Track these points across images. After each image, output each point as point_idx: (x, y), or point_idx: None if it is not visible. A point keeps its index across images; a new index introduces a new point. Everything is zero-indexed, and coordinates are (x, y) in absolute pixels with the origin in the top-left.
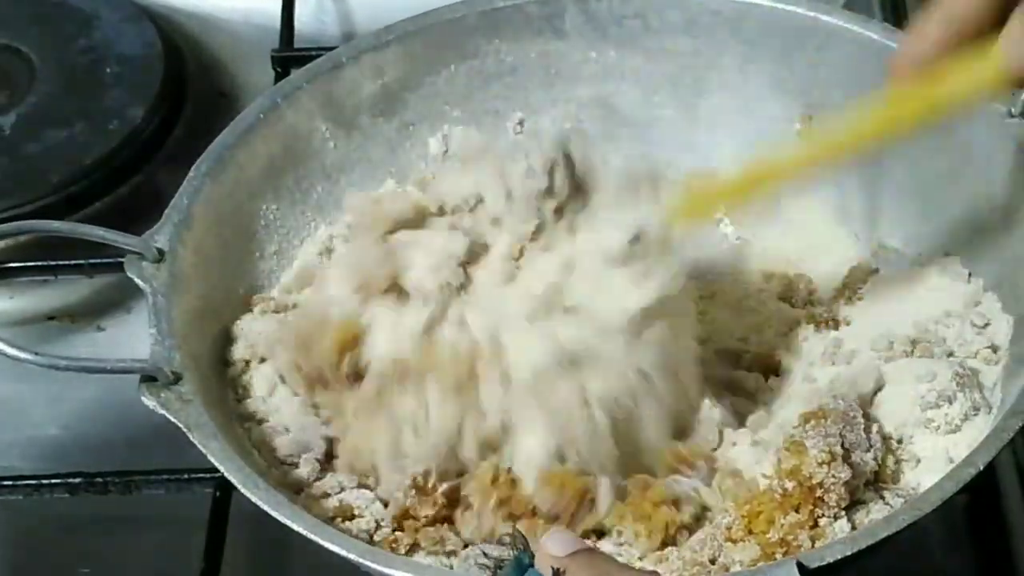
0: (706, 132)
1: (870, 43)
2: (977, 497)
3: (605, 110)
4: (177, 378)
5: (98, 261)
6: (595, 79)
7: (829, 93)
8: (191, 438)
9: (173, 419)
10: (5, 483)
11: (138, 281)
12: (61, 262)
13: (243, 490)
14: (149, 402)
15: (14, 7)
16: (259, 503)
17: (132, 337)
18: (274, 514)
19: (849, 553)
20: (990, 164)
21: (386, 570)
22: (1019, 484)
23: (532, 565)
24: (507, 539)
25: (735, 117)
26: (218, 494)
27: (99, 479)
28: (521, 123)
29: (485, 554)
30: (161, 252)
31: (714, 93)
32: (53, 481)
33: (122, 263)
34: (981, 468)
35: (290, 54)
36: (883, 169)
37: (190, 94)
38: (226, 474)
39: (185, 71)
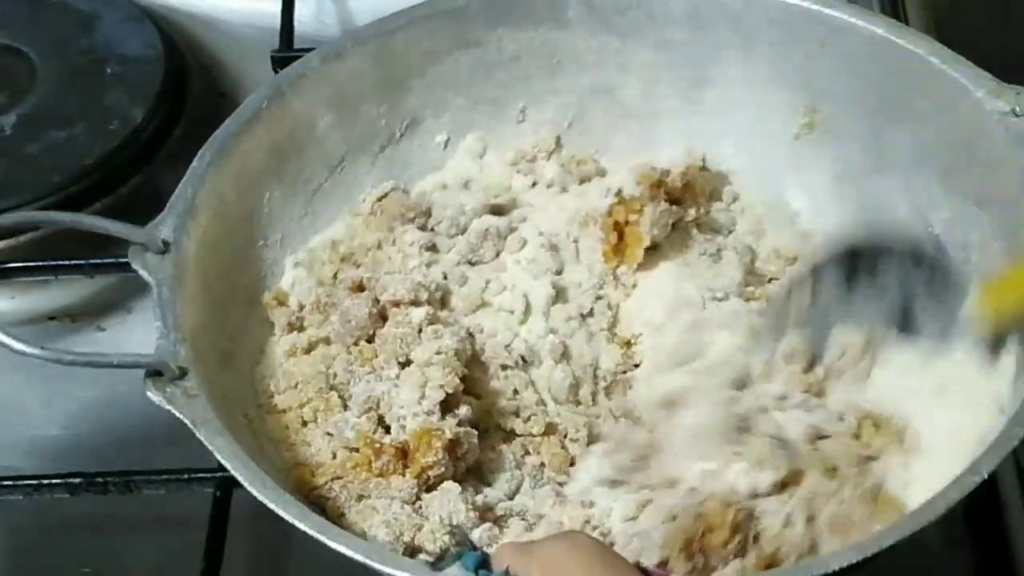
0: (708, 123)
1: (873, 37)
2: (977, 500)
3: (607, 99)
4: (183, 373)
5: (99, 261)
6: (597, 69)
7: (833, 86)
8: (197, 434)
9: (179, 414)
10: (5, 483)
11: (143, 273)
12: (62, 262)
13: (249, 488)
14: (155, 397)
15: (14, 7)
16: (266, 501)
17: (133, 337)
18: (281, 512)
19: (855, 561)
20: (993, 163)
21: (389, 570)
22: (1019, 487)
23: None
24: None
25: (738, 108)
26: (219, 494)
27: (99, 479)
28: (523, 111)
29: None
30: (166, 243)
31: (717, 84)
32: (53, 481)
33: (123, 262)
34: (985, 476)
35: (290, 55)
36: (887, 164)
37: (190, 94)
38: (232, 471)
39: (186, 71)
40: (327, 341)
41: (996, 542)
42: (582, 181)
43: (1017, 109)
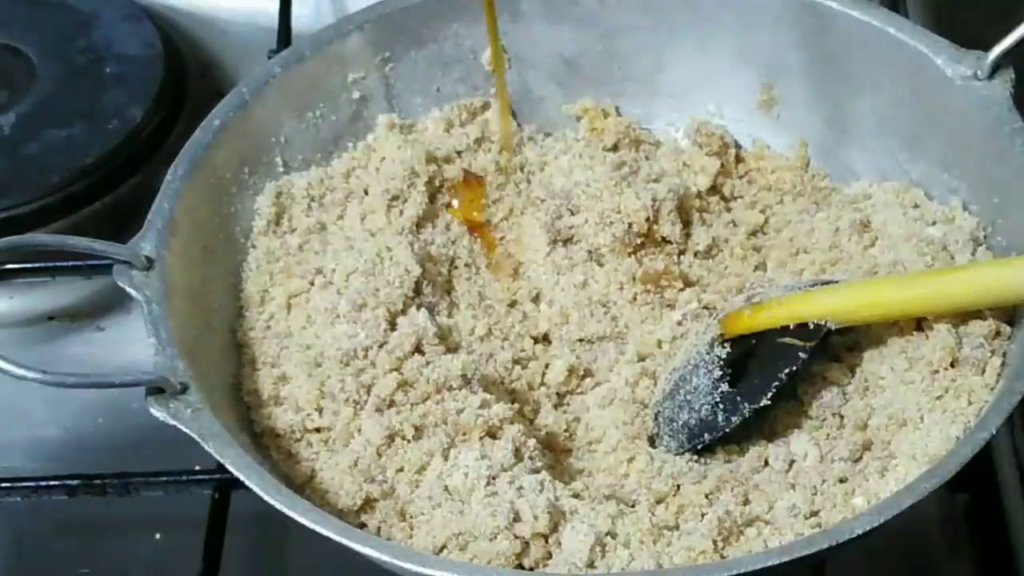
0: (667, 104)
1: (827, 11)
2: (977, 497)
3: (564, 89)
4: (184, 387)
5: (97, 262)
6: (553, 59)
7: (788, 62)
8: (207, 448)
9: (186, 430)
10: (4, 484)
11: (130, 291)
12: (60, 263)
13: (266, 497)
14: (159, 414)
15: (14, 7)
16: (282, 508)
17: (131, 337)
18: (299, 519)
19: (877, 524)
20: (958, 128)
21: (408, 566)
22: (1019, 483)
23: None
24: None
25: (696, 89)
26: (217, 495)
27: (98, 481)
28: (485, 106)
29: None
30: (149, 259)
31: (674, 67)
32: (52, 483)
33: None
34: (994, 432)
35: None
36: (849, 135)
37: (190, 94)
38: (247, 482)
39: (185, 71)
40: None
41: (996, 542)
42: None
43: (979, 73)
